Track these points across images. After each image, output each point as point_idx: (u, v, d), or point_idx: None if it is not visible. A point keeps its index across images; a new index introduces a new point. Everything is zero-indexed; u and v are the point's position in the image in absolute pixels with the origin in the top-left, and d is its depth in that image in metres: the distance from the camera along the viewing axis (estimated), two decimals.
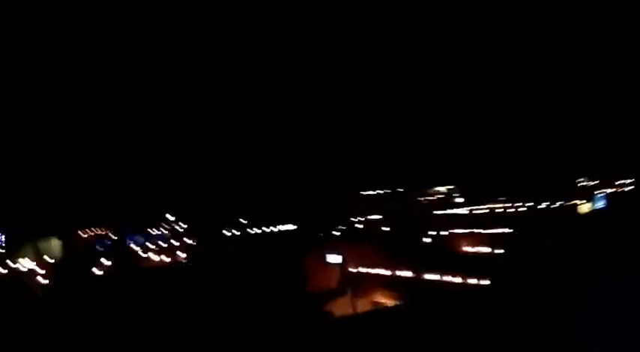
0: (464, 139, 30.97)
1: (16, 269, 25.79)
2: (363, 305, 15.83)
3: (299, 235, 26.67)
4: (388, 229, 25.91)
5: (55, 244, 28.50)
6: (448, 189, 34.48)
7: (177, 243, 28.31)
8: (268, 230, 29.13)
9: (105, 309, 17.55)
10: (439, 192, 34.39)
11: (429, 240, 21.50)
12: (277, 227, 29.06)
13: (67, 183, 28.03)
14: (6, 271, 25.57)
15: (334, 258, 17.92)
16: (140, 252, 26.89)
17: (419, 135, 30.74)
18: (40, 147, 27.17)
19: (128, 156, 29.08)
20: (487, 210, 26.20)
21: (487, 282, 14.21)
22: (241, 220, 30.84)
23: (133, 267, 23.86)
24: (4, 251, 27.83)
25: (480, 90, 29.30)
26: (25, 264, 26.06)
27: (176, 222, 32.12)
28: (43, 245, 27.72)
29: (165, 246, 28.32)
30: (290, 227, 28.95)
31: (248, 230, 30.13)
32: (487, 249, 18.19)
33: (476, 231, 20.73)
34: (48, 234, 28.50)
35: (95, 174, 28.61)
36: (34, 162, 27.22)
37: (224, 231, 29.60)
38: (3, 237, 28.52)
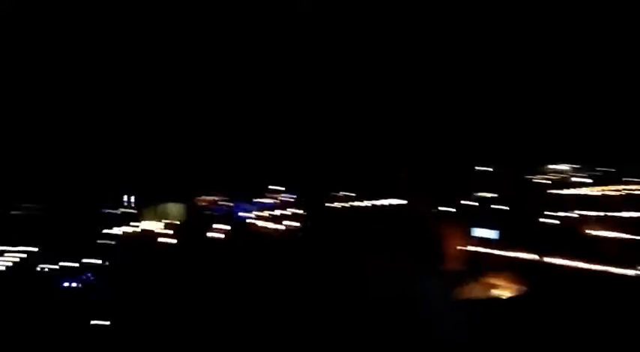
0: (589, 113, 28.13)
1: (146, 229, 28.25)
2: (478, 289, 14.77)
3: (410, 210, 26.03)
4: (505, 208, 24.38)
5: (178, 208, 30.84)
6: (572, 168, 31.70)
7: (286, 212, 29.21)
8: (377, 203, 28.85)
9: (222, 266, 18.56)
10: (562, 171, 31.74)
11: (552, 221, 19.78)
12: (386, 200, 28.67)
13: (186, 154, 30.06)
14: (139, 230, 28.08)
15: (487, 233, 15.27)
16: (252, 220, 28.17)
17: (537, 109, 28.42)
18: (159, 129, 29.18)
19: (237, 133, 30.35)
20: (622, 193, 23.49)
21: (633, 273, 12.57)
22: (347, 193, 30.96)
23: (244, 232, 25.03)
24: (135, 211, 30.77)
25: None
26: (150, 224, 28.49)
27: (283, 192, 33.23)
28: (167, 208, 30.12)
29: (275, 214, 29.38)
30: (398, 201, 28.39)
31: (357, 202, 30.18)
32: (626, 235, 16.22)
33: (610, 214, 18.62)
34: (171, 200, 30.89)
35: (211, 148, 30.35)
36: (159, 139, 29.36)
37: (332, 203, 29.98)
38: (132, 198, 31.40)
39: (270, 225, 25.29)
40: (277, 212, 29.38)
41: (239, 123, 30.84)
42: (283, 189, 33.20)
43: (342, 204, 29.61)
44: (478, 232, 14.78)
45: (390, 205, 27.63)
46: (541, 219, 19.87)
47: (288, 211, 29.31)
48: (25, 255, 21.86)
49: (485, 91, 27.41)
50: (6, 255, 21.60)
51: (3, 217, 26.14)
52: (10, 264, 21.12)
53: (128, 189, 31.19)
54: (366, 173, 28.99)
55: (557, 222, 19.50)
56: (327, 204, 29.81)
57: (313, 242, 20.51)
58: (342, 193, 30.60)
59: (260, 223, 26.46)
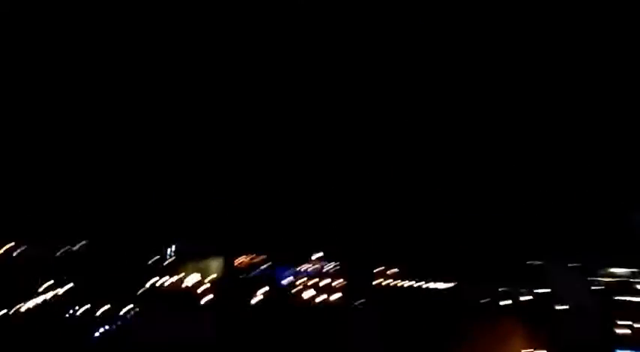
0: None
1: (182, 281, 27.70)
2: None
3: (455, 298, 24.69)
4: (564, 307, 22.80)
5: (216, 264, 30.25)
6: (631, 272, 29.90)
7: (326, 282, 28.16)
8: (421, 284, 27.58)
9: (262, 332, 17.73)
10: (619, 275, 29.95)
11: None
12: (432, 283, 27.40)
13: (230, 211, 29.81)
14: (173, 281, 27.55)
15: None
16: (294, 287, 27.23)
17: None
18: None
19: (283, 196, 30.00)
20: None
21: None
22: (393, 269, 29.81)
23: (285, 300, 24.09)
24: (173, 262, 30.28)
25: None
26: (191, 278, 27.93)
27: (322, 259, 32.30)
28: (207, 263, 29.58)
29: (313, 282, 28.36)
30: (444, 285, 27.09)
31: (402, 282, 28.92)
32: None
33: None
34: (210, 254, 30.42)
35: (256, 208, 30.04)
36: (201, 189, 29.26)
37: (375, 279, 28.80)
38: (173, 248, 31.08)
39: (313, 294, 24.30)
40: (319, 281, 28.35)
41: (285, 185, 30.70)
42: (321, 255, 32.39)
43: (387, 281, 28.40)
44: None
45: (440, 290, 26.38)
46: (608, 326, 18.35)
47: (331, 281, 28.27)
48: (58, 294, 21.52)
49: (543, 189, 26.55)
50: (43, 293, 21.26)
51: (48, 255, 26.21)
52: (44, 302, 20.74)
53: (170, 240, 30.97)
54: (415, 250, 27.91)
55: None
56: (371, 280, 28.63)
57: (360, 321, 19.43)
58: (386, 269, 29.47)
59: (302, 292, 25.46)
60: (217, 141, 28.63)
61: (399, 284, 27.96)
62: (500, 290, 23.84)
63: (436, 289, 26.81)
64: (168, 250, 30.43)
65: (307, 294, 23.70)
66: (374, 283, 27.75)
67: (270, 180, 29.62)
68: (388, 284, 28.05)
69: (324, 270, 30.25)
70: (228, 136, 28.43)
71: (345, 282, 27.45)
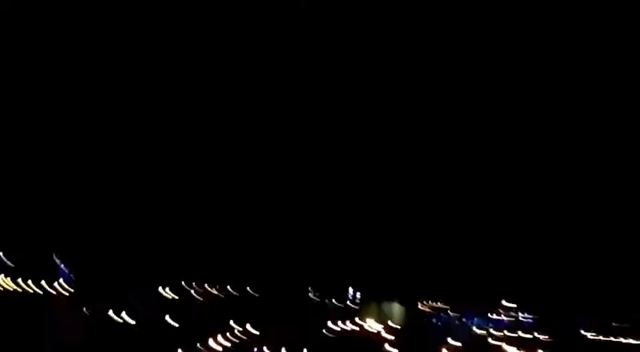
0: None
1: (364, 328, 26.86)
2: None
3: None
4: None
5: (397, 309, 29.02)
6: None
7: (526, 336, 24.75)
8: None
9: None
10: None
11: None
12: None
13: (409, 255, 28.48)
14: (356, 327, 26.83)
15: None
16: (489, 338, 24.47)
17: None
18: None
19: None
20: None
21: None
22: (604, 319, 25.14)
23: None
24: (357, 308, 29.75)
25: None
26: (373, 324, 26.98)
27: (516, 310, 29.00)
28: (389, 309, 28.49)
29: (513, 335, 25.20)
30: None
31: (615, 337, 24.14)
32: None
33: None
34: (393, 300, 29.34)
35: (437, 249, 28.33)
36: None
37: (583, 333, 24.48)
38: (357, 293, 30.59)
39: (515, 349, 21.37)
40: (515, 333, 25.07)
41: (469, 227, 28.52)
42: (514, 306, 29.15)
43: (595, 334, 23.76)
44: None
45: None
46: None
47: (529, 335, 24.83)
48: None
49: None
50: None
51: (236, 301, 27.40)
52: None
53: (353, 283, 30.59)
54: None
55: None
56: (576, 334, 24.45)
57: None
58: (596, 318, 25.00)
59: (501, 345, 22.61)
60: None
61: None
62: None
63: None
64: (352, 294, 30.10)
65: (508, 349, 20.83)
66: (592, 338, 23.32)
67: (453, 222, 27.89)
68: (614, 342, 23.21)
69: (521, 322, 26.89)
70: None
71: (550, 338, 23.67)
